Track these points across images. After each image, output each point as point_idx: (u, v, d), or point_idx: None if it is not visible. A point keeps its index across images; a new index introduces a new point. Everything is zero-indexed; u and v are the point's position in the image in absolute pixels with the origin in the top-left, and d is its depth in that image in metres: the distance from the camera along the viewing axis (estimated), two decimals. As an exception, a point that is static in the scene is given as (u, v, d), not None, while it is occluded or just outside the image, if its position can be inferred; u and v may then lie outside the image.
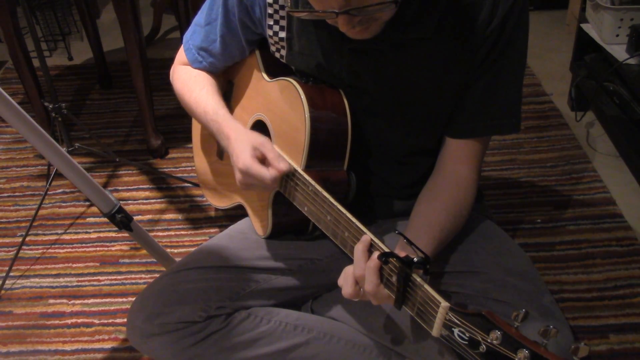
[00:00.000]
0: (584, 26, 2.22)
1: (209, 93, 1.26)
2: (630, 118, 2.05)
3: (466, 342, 0.81)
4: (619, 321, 1.56)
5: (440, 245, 1.10)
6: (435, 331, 0.87)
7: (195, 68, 1.31)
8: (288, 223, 1.24)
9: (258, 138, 1.13)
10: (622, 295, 1.62)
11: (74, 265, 1.82)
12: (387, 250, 0.95)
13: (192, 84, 1.29)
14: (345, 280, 1.00)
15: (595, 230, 1.82)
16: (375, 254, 0.95)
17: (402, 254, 0.93)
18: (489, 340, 0.77)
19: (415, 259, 0.90)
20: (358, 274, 0.97)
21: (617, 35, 2.05)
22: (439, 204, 1.14)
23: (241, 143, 1.13)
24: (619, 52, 2.02)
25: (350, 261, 1.01)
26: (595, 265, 1.71)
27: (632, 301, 1.60)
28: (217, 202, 1.51)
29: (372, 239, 0.97)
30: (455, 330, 0.82)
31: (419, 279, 0.90)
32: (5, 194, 2.12)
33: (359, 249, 0.98)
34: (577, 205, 1.91)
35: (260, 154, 1.11)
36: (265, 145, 1.12)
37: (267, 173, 1.09)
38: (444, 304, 0.85)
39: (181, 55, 1.34)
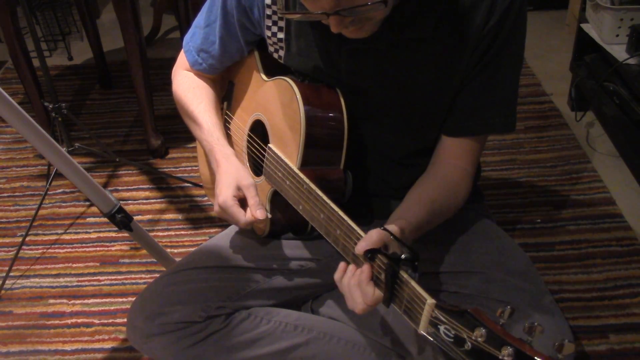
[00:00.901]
0: (584, 26, 2.22)
1: (206, 109, 1.28)
2: (630, 118, 2.04)
3: (452, 340, 0.80)
4: (619, 321, 1.56)
5: (432, 217, 1.09)
6: (422, 328, 0.86)
7: (196, 70, 1.31)
8: (286, 222, 1.24)
9: (245, 178, 1.16)
10: (622, 295, 1.62)
11: (74, 265, 1.82)
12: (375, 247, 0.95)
13: (191, 95, 1.30)
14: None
15: (595, 230, 1.82)
16: (366, 265, 0.94)
17: (380, 245, 0.93)
18: (473, 338, 0.76)
19: (403, 256, 0.90)
20: (361, 307, 0.96)
21: (617, 35, 2.05)
22: (431, 184, 1.15)
23: (228, 177, 1.17)
24: (619, 52, 2.02)
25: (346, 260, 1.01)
26: (595, 265, 1.71)
27: (632, 301, 1.60)
28: (218, 202, 1.51)
29: (361, 235, 0.97)
30: (441, 328, 0.82)
31: (405, 276, 0.89)
32: (5, 194, 2.12)
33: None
34: (577, 205, 1.91)
35: (243, 194, 1.16)
36: (249, 189, 1.15)
37: (242, 217, 1.14)
38: (430, 301, 0.84)
39: (182, 57, 1.34)
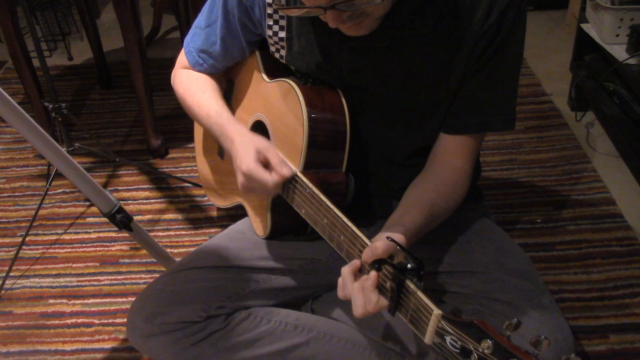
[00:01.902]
0: (584, 26, 2.22)
1: (211, 96, 1.26)
2: (630, 118, 2.05)
3: (458, 351, 0.80)
4: (619, 321, 1.56)
5: (430, 220, 1.08)
6: (428, 339, 0.86)
7: (197, 71, 1.31)
8: (287, 224, 1.24)
9: (262, 142, 1.12)
10: (622, 295, 1.62)
11: (74, 265, 1.82)
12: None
13: (194, 87, 1.29)
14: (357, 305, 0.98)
15: (595, 230, 1.82)
16: (372, 273, 0.94)
17: (383, 251, 0.93)
18: (480, 350, 0.76)
19: (409, 266, 0.89)
20: (344, 294, 0.96)
21: (617, 35, 2.05)
22: (429, 185, 1.14)
23: (245, 146, 1.11)
24: (619, 52, 2.02)
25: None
26: (595, 265, 1.71)
27: (632, 301, 1.60)
28: (218, 201, 1.51)
29: (365, 242, 0.97)
30: (448, 339, 0.82)
31: (412, 286, 0.88)
32: (5, 194, 2.12)
33: (346, 272, 0.97)
34: (577, 205, 1.91)
35: (264, 157, 1.10)
36: (269, 150, 1.10)
37: (269, 178, 1.07)
38: (437, 311, 0.84)
39: (182, 58, 1.33)
